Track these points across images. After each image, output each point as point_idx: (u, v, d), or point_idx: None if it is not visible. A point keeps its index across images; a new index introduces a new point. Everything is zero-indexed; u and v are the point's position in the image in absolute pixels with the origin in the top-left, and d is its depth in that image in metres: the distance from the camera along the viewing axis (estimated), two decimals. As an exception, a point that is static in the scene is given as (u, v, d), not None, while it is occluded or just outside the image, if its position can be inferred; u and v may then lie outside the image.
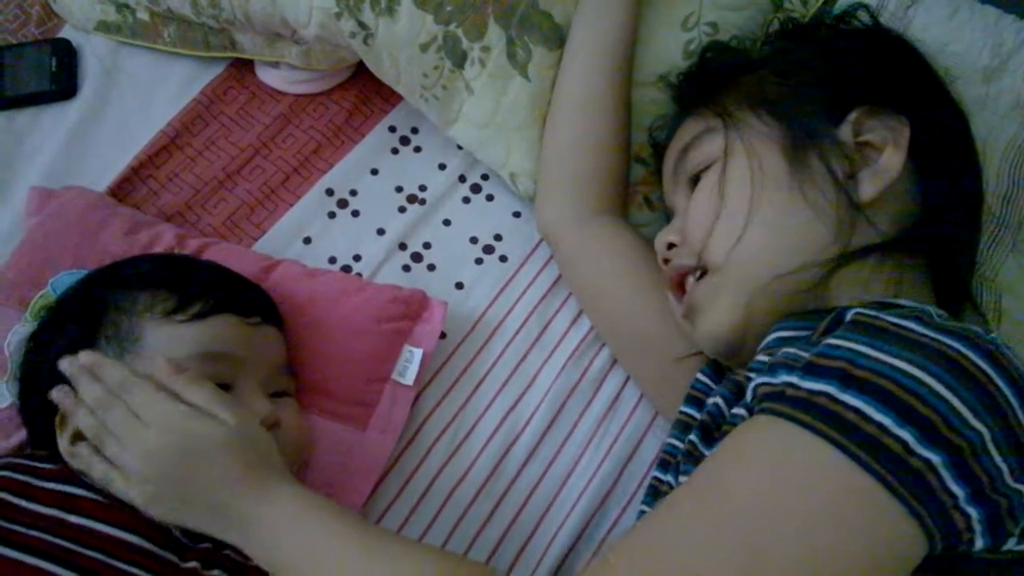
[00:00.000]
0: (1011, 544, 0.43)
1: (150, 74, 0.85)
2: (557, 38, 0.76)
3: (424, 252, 0.79)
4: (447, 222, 0.81)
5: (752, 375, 0.53)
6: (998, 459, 0.41)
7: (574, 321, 0.76)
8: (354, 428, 0.67)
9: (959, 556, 0.43)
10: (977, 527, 0.41)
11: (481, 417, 0.71)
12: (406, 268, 0.78)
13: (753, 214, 0.58)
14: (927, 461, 0.40)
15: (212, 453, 0.51)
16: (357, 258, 0.78)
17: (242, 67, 0.86)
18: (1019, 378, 0.43)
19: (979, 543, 0.42)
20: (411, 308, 0.71)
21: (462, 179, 0.83)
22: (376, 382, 0.68)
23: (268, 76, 0.85)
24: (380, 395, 0.68)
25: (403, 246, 0.79)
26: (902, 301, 0.53)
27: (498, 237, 0.80)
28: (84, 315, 0.59)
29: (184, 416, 0.52)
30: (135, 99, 0.84)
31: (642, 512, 0.63)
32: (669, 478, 0.61)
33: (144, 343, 0.57)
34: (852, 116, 0.58)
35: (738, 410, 0.53)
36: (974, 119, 0.66)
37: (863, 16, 0.70)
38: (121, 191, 0.78)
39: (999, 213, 0.74)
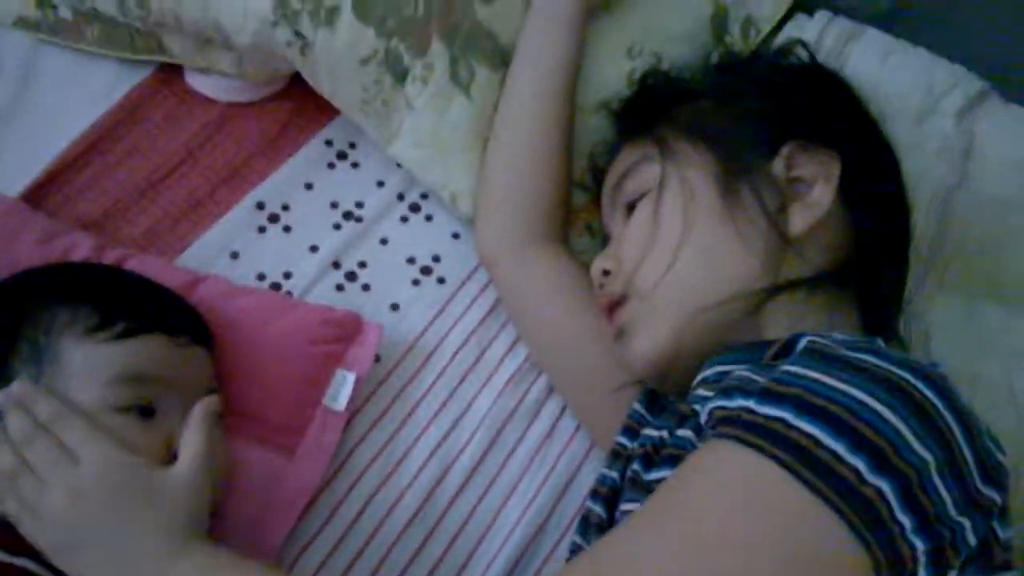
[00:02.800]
0: None
1: (71, 75, 0.80)
2: (501, 59, 0.75)
3: (359, 271, 0.77)
4: (384, 241, 0.79)
5: (697, 407, 0.53)
6: (942, 490, 0.42)
7: (512, 347, 0.75)
8: (281, 455, 0.63)
9: None
10: (921, 558, 0.42)
11: (415, 443, 0.69)
12: (339, 287, 0.75)
13: (683, 244, 0.59)
14: (878, 489, 0.41)
15: (148, 499, 0.49)
16: (288, 275, 0.75)
17: (170, 71, 0.81)
18: (964, 411, 0.44)
19: (922, 574, 0.42)
20: (345, 330, 0.69)
21: (400, 197, 0.81)
22: (306, 407, 0.65)
23: (198, 82, 0.82)
24: (310, 421, 0.65)
25: (337, 264, 0.76)
26: (836, 335, 0.54)
27: (436, 258, 0.79)
28: None
29: (120, 455, 0.49)
30: (54, 100, 0.79)
31: (574, 544, 0.61)
32: (599, 509, 0.60)
33: (63, 364, 0.53)
34: (784, 150, 0.60)
35: (684, 432, 0.53)
36: (905, 160, 0.68)
37: (801, 53, 0.72)
38: (35, 197, 0.73)
39: (926, 255, 0.76)
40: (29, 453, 0.49)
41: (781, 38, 0.86)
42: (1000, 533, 0.46)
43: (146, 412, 0.54)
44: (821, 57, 0.77)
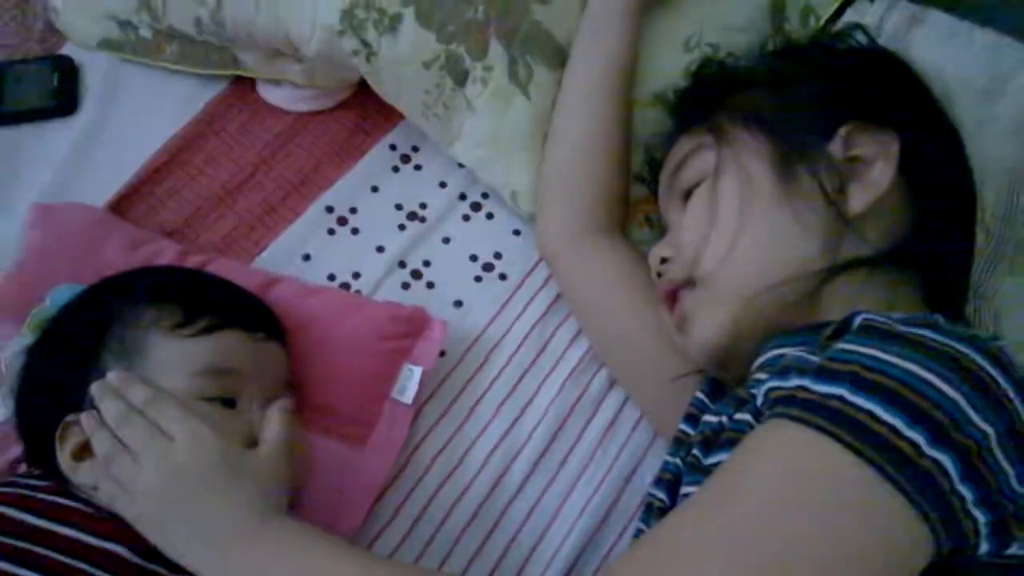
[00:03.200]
0: (1014, 549, 0.43)
1: (151, 91, 0.85)
2: (559, 58, 0.77)
3: (424, 270, 0.79)
4: (447, 240, 0.81)
5: (753, 388, 0.53)
6: (1003, 461, 0.42)
7: (573, 339, 0.76)
8: (352, 447, 0.66)
9: (963, 559, 0.43)
10: (983, 530, 0.42)
11: (480, 435, 0.71)
12: (405, 286, 0.78)
13: (742, 228, 0.59)
14: (937, 462, 0.40)
15: (237, 477, 0.51)
16: (356, 275, 0.78)
17: (244, 84, 0.86)
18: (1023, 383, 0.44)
19: (984, 547, 0.42)
20: (411, 326, 0.71)
21: (462, 197, 0.83)
22: (375, 400, 0.68)
23: (270, 94, 0.85)
24: (379, 414, 0.67)
25: (403, 264, 0.79)
26: (894, 314, 0.53)
27: (498, 255, 0.80)
28: (88, 327, 0.59)
29: (212, 435, 0.52)
30: (136, 115, 0.84)
31: (639, 531, 0.62)
32: (663, 495, 0.61)
33: (151, 358, 0.57)
34: (842, 130, 0.59)
35: (742, 415, 0.54)
36: (973, 141, 0.66)
37: (860, 36, 0.71)
38: (121, 207, 0.78)
39: (997, 234, 0.74)
40: (125, 433, 0.53)
41: (842, 24, 0.85)
42: None
43: (228, 403, 0.58)
44: (882, 41, 0.76)
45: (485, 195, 0.83)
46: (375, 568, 0.50)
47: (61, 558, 0.50)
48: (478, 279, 0.79)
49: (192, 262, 0.72)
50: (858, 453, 0.41)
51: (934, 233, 0.59)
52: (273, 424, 0.56)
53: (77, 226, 0.72)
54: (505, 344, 0.75)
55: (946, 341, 0.43)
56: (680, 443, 0.62)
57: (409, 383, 0.69)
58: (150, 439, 0.52)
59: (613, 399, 0.74)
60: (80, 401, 0.56)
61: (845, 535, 0.41)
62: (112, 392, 0.54)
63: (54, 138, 0.81)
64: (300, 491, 0.62)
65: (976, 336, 0.44)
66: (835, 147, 0.59)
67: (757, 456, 0.45)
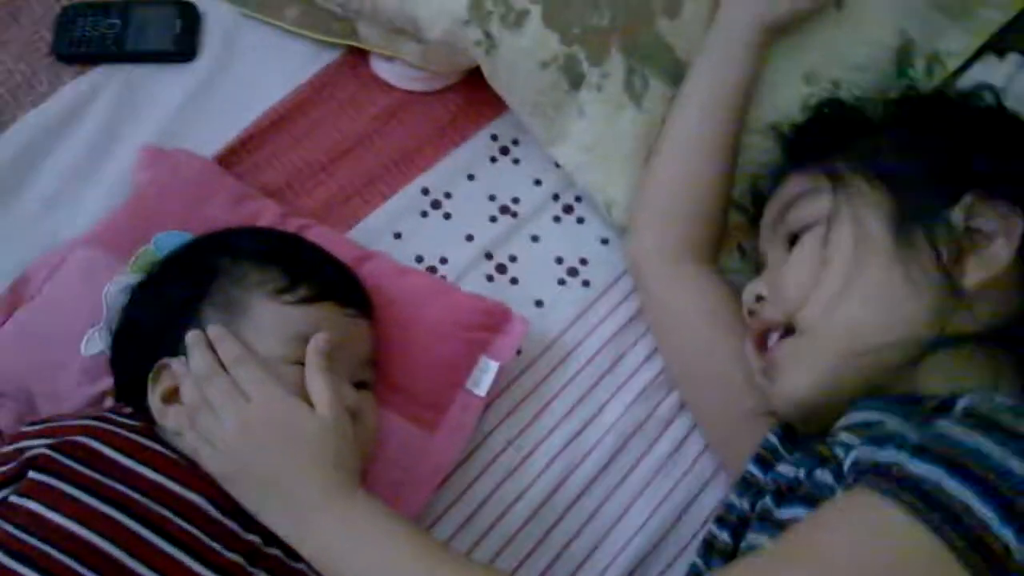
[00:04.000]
0: None
1: (269, 48, 0.86)
2: (677, 73, 0.76)
3: (509, 264, 0.79)
4: (535, 238, 0.81)
5: (838, 451, 0.53)
6: None
7: (648, 358, 0.76)
8: (422, 430, 0.67)
9: None
10: None
11: (544, 440, 0.71)
12: (489, 278, 0.78)
13: (852, 283, 0.58)
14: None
15: (305, 440, 0.53)
16: (443, 260, 0.78)
17: (358, 56, 0.86)
18: None
19: None
20: (493, 320, 0.72)
21: (556, 197, 0.83)
22: (450, 388, 0.69)
23: (382, 69, 0.86)
24: (452, 401, 0.68)
25: (489, 256, 0.79)
26: (998, 399, 0.52)
27: (584, 261, 0.80)
28: (195, 277, 0.61)
29: (286, 398, 0.54)
30: (251, 71, 0.85)
31: (695, 565, 0.62)
32: (725, 535, 0.60)
33: (251, 317, 0.59)
34: (966, 200, 0.57)
35: (823, 476, 0.53)
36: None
37: (988, 97, 0.69)
38: (227, 161, 0.79)
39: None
40: (208, 388, 0.55)
41: (968, 79, 0.82)
42: None
43: None
44: (1009, 103, 0.74)
45: (578, 199, 0.83)
46: (443, 566, 0.51)
47: (145, 501, 0.52)
48: (561, 282, 0.79)
49: (292, 225, 0.73)
50: (946, 541, 0.40)
51: None
52: (313, 385, 0.56)
53: (184, 174, 0.74)
54: (580, 352, 0.75)
55: None
56: (748, 485, 0.61)
57: (485, 375, 0.69)
58: (228, 397, 0.54)
59: (680, 424, 0.73)
60: (176, 346, 0.58)
61: None
62: (204, 345, 0.56)
63: (171, 83, 0.83)
64: (368, 466, 0.64)
65: None
66: (956, 215, 0.57)
67: (841, 521, 0.45)
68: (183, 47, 0.85)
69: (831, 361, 0.57)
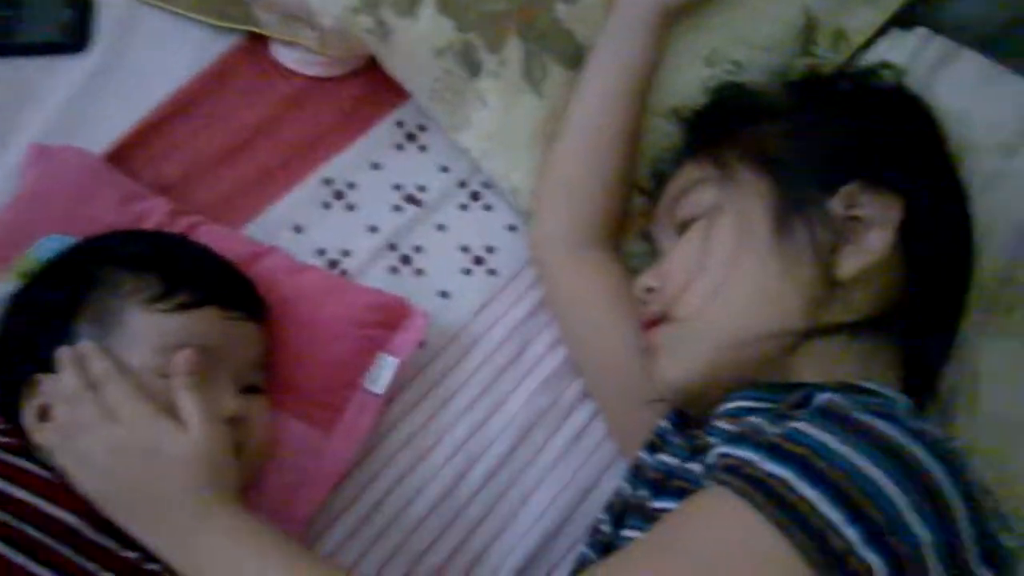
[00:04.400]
0: None
1: (165, 36, 0.84)
2: (576, 58, 0.75)
3: (414, 255, 0.78)
4: (441, 227, 0.80)
5: (712, 439, 0.54)
6: (932, 572, 0.41)
7: (553, 346, 0.76)
8: (318, 431, 0.67)
9: None
10: None
11: (446, 434, 0.71)
12: (393, 270, 0.77)
13: (729, 276, 0.59)
14: (867, 563, 0.41)
15: (174, 463, 0.52)
16: (346, 253, 0.77)
17: (257, 41, 0.84)
18: (972, 490, 0.44)
19: None
20: (392, 316, 0.71)
21: (462, 184, 0.82)
22: (346, 387, 0.68)
23: (282, 54, 0.84)
24: (348, 400, 0.68)
25: (393, 247, 0.78)
26: (869, 385, 0.53)
27: (490, 249, 0.80)
28: (69, 286, 0.59)
29: (155, 420, 0.53)
30: (147, 60, 0.82)
31: (581, 554, 0.63)
32: (607, 526, 0.61)
33: (124, 328, 0.57)
34: (846, 188, 0.58)
35: (693, 465, 0.54)
36: (987, 192, 0.65)
37: (887, 75, 0.69)
38: (121, 154, 0.77)
39: (992, 293, 0.73)
40: (77, 408, 0.54)
41: (873, 54, 0.82)
42: None
43: None
44: (911, 78, 0.74)
45: (486, 185, 0.82)
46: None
47: (16, 524, 0.51)
48: (467, 272, 0.79)
49: (182, 224, 0.71)
50: (792, 540, 0.41)
51: (923, 307, 0.58)
52: (182, 403, 0.55)
53: (72, 173, 0.72)
54: (484, 342, 0.75)
55: (900, 439, 0.43)
56: (638, 471, 0.62)
57: (383, 372, 0.69)
58: (97, 418, 0.53)
59: (583, 412, 0.74)
60: (49, 362, 0.57)
61: None
62: (73, 362, 0.55)
63: (61, 76, 0.80)
64: (261, 470, 0.63)
65: (932, 435, 0.45)
66: (836, 205, 0.57)
67: (698, 519, 0.46)
68: (73, 38, 0.82)
69: (707, 351, 0.58)
